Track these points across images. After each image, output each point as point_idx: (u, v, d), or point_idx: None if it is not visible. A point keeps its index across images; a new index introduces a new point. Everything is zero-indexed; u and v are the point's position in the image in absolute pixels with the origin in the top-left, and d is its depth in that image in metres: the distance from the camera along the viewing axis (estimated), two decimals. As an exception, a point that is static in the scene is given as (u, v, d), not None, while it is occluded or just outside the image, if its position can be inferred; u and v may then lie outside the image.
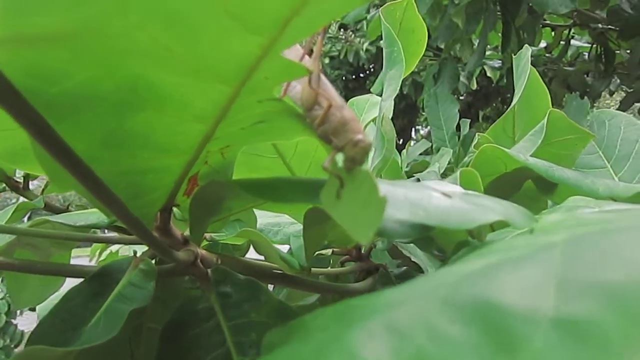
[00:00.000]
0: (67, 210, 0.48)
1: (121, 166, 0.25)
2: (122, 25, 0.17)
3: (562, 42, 1.86)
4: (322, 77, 0.26)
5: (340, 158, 0.25)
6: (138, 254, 0.36)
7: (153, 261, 0.35)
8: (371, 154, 0.54)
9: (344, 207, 0.23)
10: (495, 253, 0.22)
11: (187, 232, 0.36)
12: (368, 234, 0.21)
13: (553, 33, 1.85)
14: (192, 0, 0.16)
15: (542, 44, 1.87)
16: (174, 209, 0.36)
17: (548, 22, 1.76)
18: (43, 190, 0.49)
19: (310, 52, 0.27)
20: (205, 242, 0.44)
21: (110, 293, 0.33)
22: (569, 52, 1.94)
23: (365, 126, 0.58)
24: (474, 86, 1.92)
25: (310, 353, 0.16)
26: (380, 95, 0.58)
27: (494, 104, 2.06)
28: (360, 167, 0.24)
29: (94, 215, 0.38)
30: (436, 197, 0.26)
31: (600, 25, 1.67)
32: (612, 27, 1.60)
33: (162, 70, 0.20)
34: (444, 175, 1.00)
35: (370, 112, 0.60)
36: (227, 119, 0.25)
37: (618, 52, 1.77)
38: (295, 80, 0.27)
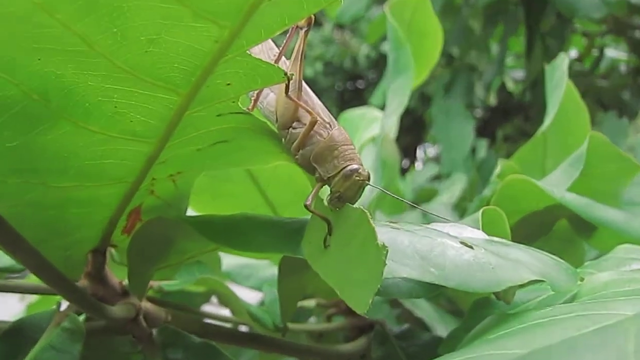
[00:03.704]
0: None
1: (30, 197, 0.22)
2: (23, 5, 0.14)
3: (594, 52, 1.86)
4: (304, 84, 0.23)
5: (327, 193, 0.22)
6: (63, 306, 0.33)
7: (81, 317, 0.32)
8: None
9: (332, 260, 0.20)
10: (537, 330, 0.19)
11: (127, 281, 0.33)
12: (365, 300, 0.18)
13: (585, 41, 1.85)
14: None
15: (572, 53, 1.87)
16: (111, 250, 0.33)
17: (579, 27, 1.76)
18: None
19: (289, 53, 0.24)
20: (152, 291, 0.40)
21: (24, 358, 0.30)
22: (603, 64, 1.94)
23: (360, 149, 0.56)
24: (492, 100, 1.91)
25: None
26: (381, 109, 0.56)
27: (516, 122, 2.05)
28: (352, 204, 0.21)
29: (7, 256, 0.34)
30: (452, 247, 0.23)
31: (638, 33, 1.67)
32: (654, 36, 1.60)
33: (81, 71, 0.17)
34: (455, 208, 0.98)
35: (367, 130, 0.58)
36: (176, 137, 0.22)
37: (660, 65, 1.78)
38: (269, 88, 0.24)
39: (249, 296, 0.55)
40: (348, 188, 0.21)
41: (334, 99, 4.49)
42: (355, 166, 0.21)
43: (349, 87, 4.91)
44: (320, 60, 4.31)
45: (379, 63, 3.80)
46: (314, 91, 0.25)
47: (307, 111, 0.22)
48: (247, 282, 0.53)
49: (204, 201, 0.41)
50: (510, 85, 1.90)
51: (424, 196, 1.08)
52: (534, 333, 0.18)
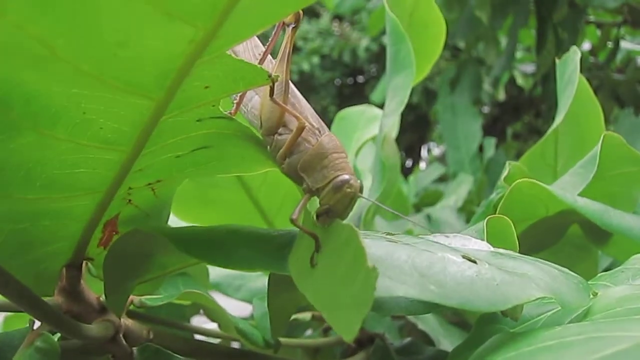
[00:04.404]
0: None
1: (-6, 210, 0.22)
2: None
3: (609, 44, 1.85)
4: (292, 86, 0.23)
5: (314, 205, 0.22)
6: (36, 325, 0.32)
7: (57, 335, 0.32)
8: (367, 186, 0.51)
9: (319, 280, 0.20)
10: (545, 355, 0.18)
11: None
12: (352, 326, 0.17)
13: (599, 32, 1.85)
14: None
15: (586, 46, 1.87)
16: (88, 263, 0.32)
17: (593, 18, 1.76)
18: None
19: (274, 52, 0.23)
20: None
21: (-5, 380, 0.30)
22: (619, 56, 1.94)
23: (359, 149, 0.55)
24: (501, 96, 1.91)
25: None
26: (381, 107, 0.56)
27: (526, 118, 2.05)
28: (343, 219, 0.21)
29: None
30: (454, 262, 0.22)
31: (657, 24, 1.66)
32: (673, 27, 1.60)
33: (43, 77, 0.17)
34: (461, 211, 0.97)
35: (366, 129, 0.57)
36: (153, 144, 0.22)
37: (680, 57, 1.77)
38: (253, 91, 0.23)
39: (243, 304, 0.55)
40: (338, 201, 0.20)
41: (332, 94, 4.46)
42: (346, 177, 0.21)
43: (348, 82, 4.88)
44: (317, 53, 4.29)
45: (380, 56, 3.78)
46: (308, 88, 0.25)
47: (294, 116, 0.22)
48: (238, 294, 0.52)
49: (189, 208, 0.41)
50: (520, 80, 1.90)
51: (428, 199, 1.07)
52: (541, 358, 0.17)
